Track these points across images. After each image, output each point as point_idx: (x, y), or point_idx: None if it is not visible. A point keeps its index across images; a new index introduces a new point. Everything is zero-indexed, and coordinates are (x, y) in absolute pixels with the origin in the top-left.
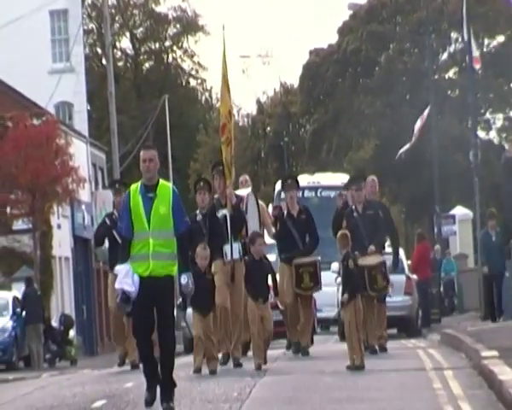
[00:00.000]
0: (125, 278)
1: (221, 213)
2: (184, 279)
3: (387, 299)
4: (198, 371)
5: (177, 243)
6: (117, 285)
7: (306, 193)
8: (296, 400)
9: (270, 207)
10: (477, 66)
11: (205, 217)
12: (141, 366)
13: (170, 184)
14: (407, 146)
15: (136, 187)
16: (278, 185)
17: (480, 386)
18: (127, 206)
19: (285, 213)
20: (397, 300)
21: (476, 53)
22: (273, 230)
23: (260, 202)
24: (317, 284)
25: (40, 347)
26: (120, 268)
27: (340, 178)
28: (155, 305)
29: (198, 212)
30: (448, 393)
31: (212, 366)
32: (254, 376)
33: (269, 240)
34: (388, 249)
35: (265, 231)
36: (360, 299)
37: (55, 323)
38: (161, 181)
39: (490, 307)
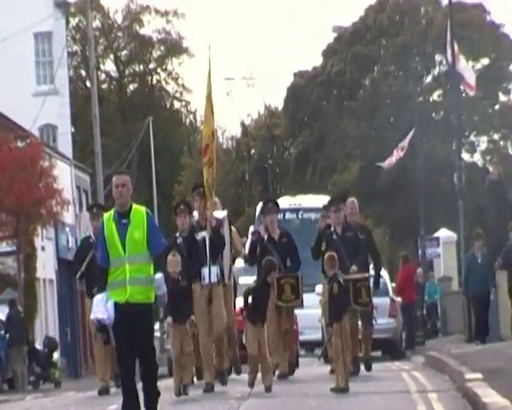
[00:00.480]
0: (98, 307)
1: (200, 235)
2: (158, 279)
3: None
4: (179, 394)
5: (153, 263)
6: (91, 316)
7: (288, 215)
8: None
9: (251, 228)
10: (472, 92)
11: (185, 240)
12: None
13: (143, 209)
14: (386, 164)
15: (109, 215)
16: (258, 209)
17: (464, 408)
18: (102, 236)
19: (265, 237)
20: (381, 322)
21: (472, 79)
22: (243, 252)
23: (232, 227)
24: (298, 297)
25: (24, 369)
26: (95, 298)
27: (322, 200)
28: (134, 331)
29: (178, 234)
30: None
31: (188, 379)
32: (238, 399)
33: (242, 263)
34: (372, 271)
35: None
36: (346, 321)
37: (39, 345)
38: (134, 206)
39: (476, 328)
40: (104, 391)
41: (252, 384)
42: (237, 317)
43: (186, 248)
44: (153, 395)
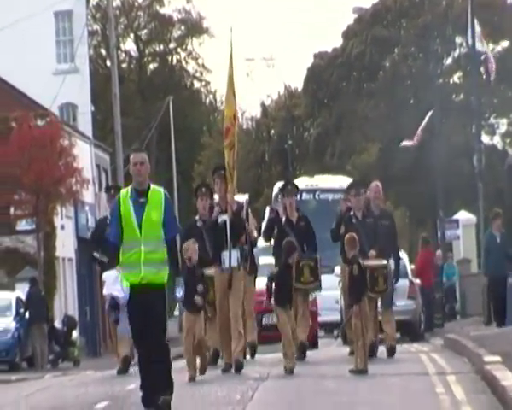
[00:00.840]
0: (114, 285)
1: (221, 218)
2: (179, 293)
3: None
4: (192, 379)
5: (167, 249)
6: (105, 291)
7: (304, 196)
8: (298, 404)
9: (268, 209)
10: (492, 75)
11: (205, 223)
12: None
13: (161, 189)
14: (408, 143)
15: (126, 192)
16: (276, 188)
17: (482, 391)
18: (116, 212)
19: (283, 219)
20: (400, 304)
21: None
22: (255, 235)
23: (249, 212)
24: (316, 279)
25: (44, 347)
26: (109, 274)
27: (339, 181)
28: (147, 312)
29: (198, 218)
30: (451, 398)
31: (202, 367)
32: (257, 379)
33: (262, 243)
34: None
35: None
36: (366, 303)
37: (58, 324)
38: (152, 186)
39: (494, 310)
40: (124, 371)
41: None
42: (257, 297)
43: (206, 232)
44: (163, 378)
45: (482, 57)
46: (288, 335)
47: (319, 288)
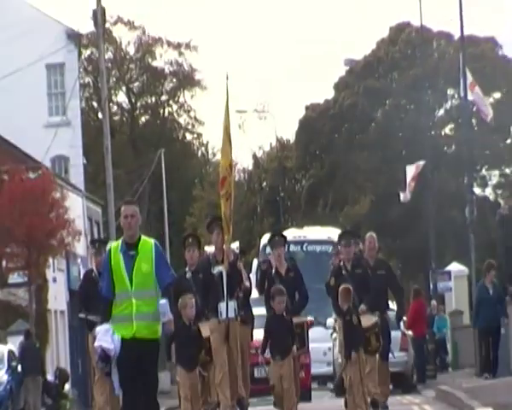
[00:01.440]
0: (105, 337)
1: (217, 269)
2: (163, 304)
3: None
4: None
5: (162, 295)
6: (96, 343)
7: (292, 247)
8: None
9: (255, 261)
10: (489, 117)
11: (194, 274)
12: None
13: (151, 240)
14: (405, 196)
15: (116, 245)
16: (264, 239)
17: None
18: (107, 265)
19: (273, 271)
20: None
21: (488, 106)
22: (248, 285)
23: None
24: (303, 345)
25: (38, 400)
26: (100, 328)
27: (327, 233)
28: (139, 368)
29: (187, 269)
30: None
31: None
32: None
33: (255, 294)
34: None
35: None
36: (362, 352)
37: (50, 377)
38: (143, 237)
39: (486, 361)
40: None
41: None
42: (252, 348)
43: (195, 283)
44: None
45: (474, 108)
46: (275, 387)
47: (307, 352)
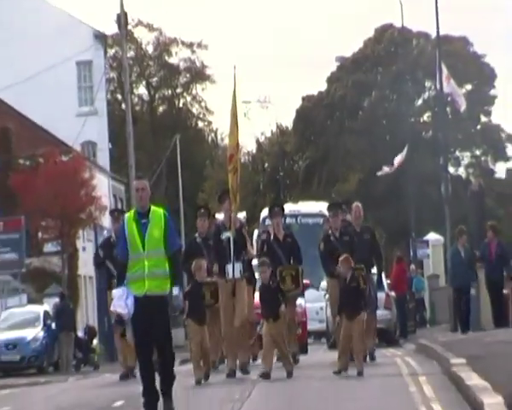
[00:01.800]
0: (119, 301)
1: (225, 235)
2: (175, 291)
3: None
4: (199, 383)
5: (169, 262)
6: (111, 308)
7: (288, 220)
8: (289, 400)
9: (256, 231)
10: (463, 107)
11: (204, 240)
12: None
13: (161, 210)
14: (387, 169)
15: (130, 214)
16: (263, 213)
17: (449, 389)
18: (123, 232)
19: (271, 237)
20: (378, 313)
21: (462, 96)
22: (253, 252)
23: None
24: (297, 286)
25: (70, 353)
26: (115, 291)
27: (319, 207)
28: (152, 322)
29: (197, 235)
30: (422, 395)
31: (206, 371)
32: (253, 381)
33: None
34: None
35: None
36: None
37: (80, 333)
38: (153, 207)
39: (459, 319)
40: (125, 376)
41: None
42: (256, 309)
43: (205, 247)
44: (168, 379)
45: (449, 98)
46: (266, 344)
47: (301, 294)
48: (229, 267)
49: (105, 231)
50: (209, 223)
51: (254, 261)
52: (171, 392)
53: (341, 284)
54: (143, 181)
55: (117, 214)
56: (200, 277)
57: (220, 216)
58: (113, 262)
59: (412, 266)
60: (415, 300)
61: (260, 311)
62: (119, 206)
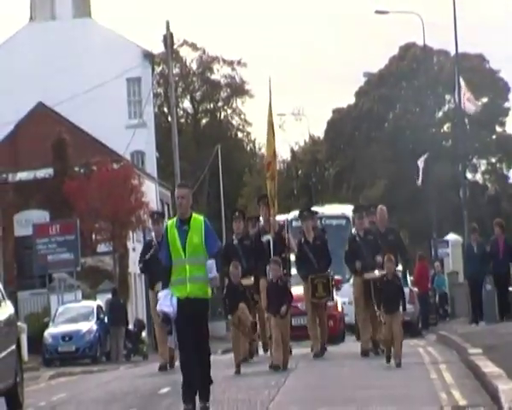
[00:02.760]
0: (164, 301)
1: (265, 237)
2: (209, 263)
3: None
4: (238, 368)
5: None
6: (158, 308)
7: None
8: (321, 387)
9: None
10: (475, 107)
11: (240, 241)
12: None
13: (201, 217)
14: (419, 180)
15: (172, 222)
16: (290, 215)
17: (467, 376)
18: (165, 238)
19: (302, 239)
20: None
21: (474, 101)
22: (295, 248)
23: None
24: (328, 294)
25: (121, 344)
26: (161, 294)
27: (342, 209)
28: (193, 323)
29: (234, 237)
30: (442, 382)
31: (252, 349)
32: (288, 369)
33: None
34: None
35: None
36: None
37: (130, 326)
38: (194, 215)
39: (473, 311)
40: (164, 367)
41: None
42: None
43: (241, 249)
44: (206, 380)
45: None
46: (276, 339)
47: (331, 300)
48: (271, 262)
49: (152, 233)
50: (245, 224)
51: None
52: (207, 393)
53: (382, 280)
54: (184, 189)
55: (156, 217)
56: (235, 278)
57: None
58: (154, 263)
59: (437, 264)
60: (436, 295)
61: (266, 306)
62: (166, 210)
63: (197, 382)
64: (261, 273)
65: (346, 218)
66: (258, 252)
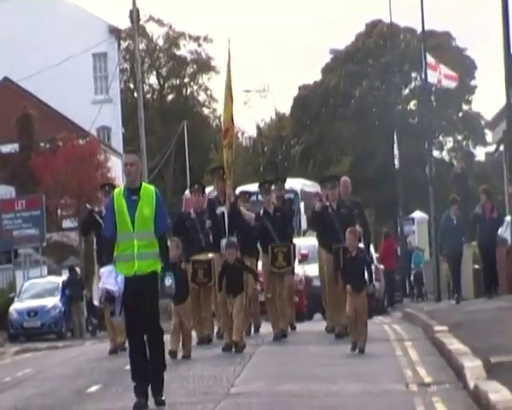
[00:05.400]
0: (108, 279)
1: (219, 209)
2: (168, 281)
3: None
4: (173, 354)
5: (158, 243)
6: (100, 285)
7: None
8: (288, 362)
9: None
10: (455, 82)
11: (199, 215)
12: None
13: (152, 187)
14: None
15: (119, 190)
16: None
17: (433, 354)
18: (111, 208)
19: (261, 211)
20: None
21: (453, 72)
22: (252, 220)
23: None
24: (289, 264)
25: (83, 320)
26: (103, 270)
27: (290, 183)
28: (142, 300)
29: (192, 211)
30: (407, 359)
31: (187, 351)
32: (254, 345)
33: None
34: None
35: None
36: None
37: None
38: (144, 184)
39: (453, 285)
40: (113, 351)
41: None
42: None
43: (199, 223)
44: (159, 366)
45: (433, 88)
46: (224, 319)
47: (292, 272)
48: (224, 242)
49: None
50: (203, 197)
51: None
52: (161, 381)
53: (346, 257)
54: (133, 155)
55: (107, 189)
56: (172, 255)
57: (212, 191)
58: (99, 238)
59: (409, 240)
60: (409, 273)
61: (221, 286)
62: None
63: (149, 372)
64: (215, 248)
65: (294, 192)
66: (212, 225)
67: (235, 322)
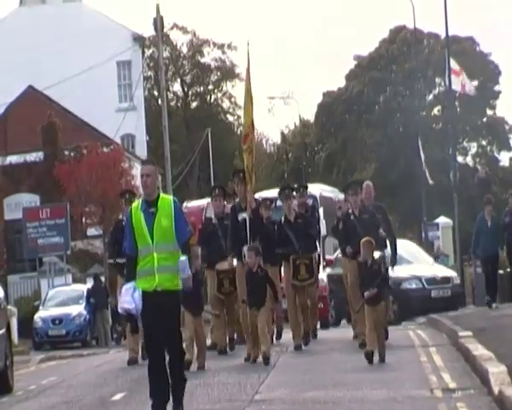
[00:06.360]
0: (125, 297)
1: (241, 216)
2: (182, 261)
3: None
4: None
5: (181, 251)
6: (119, 306)
7: (279, 201)
8: (312, 369)
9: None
10: (472, 92)
11: (220, 220)
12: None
13: (170, 197)
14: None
15: (137, 204)
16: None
17: (457, 359)
18: (129, 224)
19: (283, 219)
20: None
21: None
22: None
23: None
24: (311, 276)
25: (108, 328)
26: (123, 288)
27: (309, 189)
28: (162, 318)
29: (213, 216)
30: (432, 365)
31: (201, 363)
32: (278, 352)
33: None
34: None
35: None
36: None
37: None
38: (161, 195)
39: (487, 288)
40: (134, 361)
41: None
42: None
43: (221, 228)
44: (179, 381)
45: (457, 93)
46: (246, 332)
47: (315, 283)
48: (246, 249)
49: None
50: (225, 203)
51: None
52: (181, 396)
53: (362, 267)
54: (149, 166)
55: (128, 197)
56: (195, 265)
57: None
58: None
59: (437, 244)
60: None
61: (246, 297)
62: None
63: (168, 388)
64: (237, 256)
65: (314, 197)
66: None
67: (261, 339)
